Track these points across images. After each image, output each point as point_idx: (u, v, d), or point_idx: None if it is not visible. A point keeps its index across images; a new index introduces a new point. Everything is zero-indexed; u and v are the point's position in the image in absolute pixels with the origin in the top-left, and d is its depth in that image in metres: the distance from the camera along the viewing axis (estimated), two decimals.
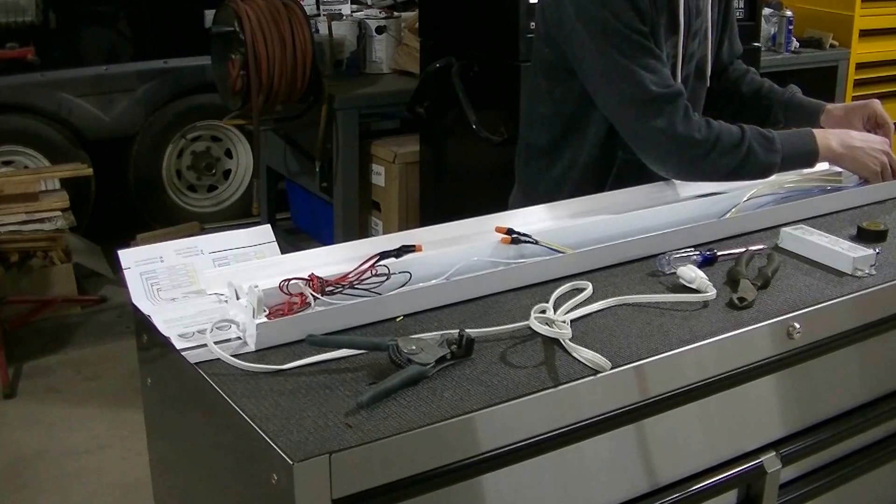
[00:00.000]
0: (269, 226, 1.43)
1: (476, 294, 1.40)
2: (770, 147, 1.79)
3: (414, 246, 1.42)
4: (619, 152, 1.91)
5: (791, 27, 4.56)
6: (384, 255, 1.40)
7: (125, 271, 1.38)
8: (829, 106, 2.03)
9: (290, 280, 1.32)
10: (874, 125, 1.99)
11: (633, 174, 1.88)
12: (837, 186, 1.87)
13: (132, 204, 4.94)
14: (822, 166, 1.97)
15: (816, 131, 1.87)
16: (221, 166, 5.13)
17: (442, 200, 3.68)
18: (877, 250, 1.53)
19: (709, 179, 1.81)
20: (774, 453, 1.42)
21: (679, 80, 1.91)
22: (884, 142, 1.91)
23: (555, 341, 1.25)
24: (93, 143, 4.72)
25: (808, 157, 1.84)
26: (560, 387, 1.16)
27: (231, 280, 1.33)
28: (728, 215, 1.72)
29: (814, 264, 1.54)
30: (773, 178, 1.85)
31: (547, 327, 1.26)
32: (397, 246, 1.42)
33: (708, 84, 2.04)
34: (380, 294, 1.36)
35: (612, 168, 1.94)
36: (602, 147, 1.93)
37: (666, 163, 1.81)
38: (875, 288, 1.47)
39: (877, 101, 2.00)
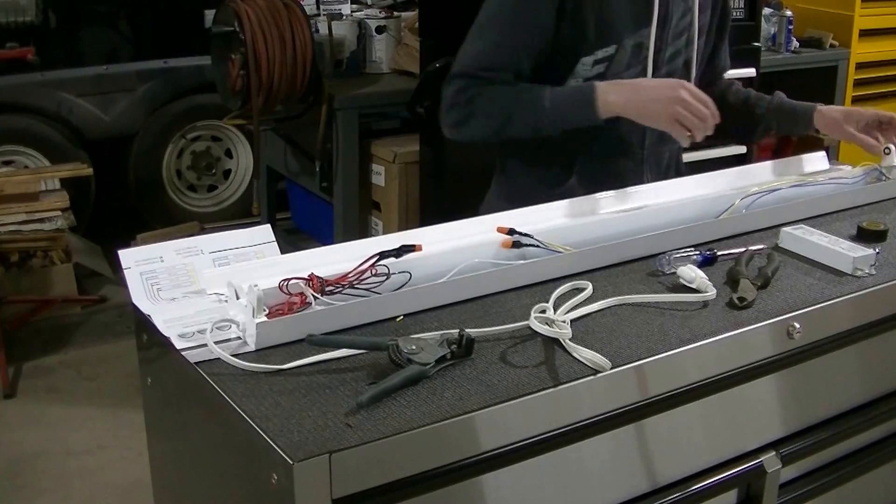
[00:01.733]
0: (269, 226, 1.43)
1: (476, 293, 1.40)
2: (534, 95, 1.79)
3: (414, 246, 1.42)
4: (580, 157, 1.90)
5: (791, 27, 4.57)
6: (384, 254, 1.40)
7: (125, 271, 1.38)
8: (821, 106, 1.99)
9: (289, 280, 1.32)
10: (877, 127, 1.92)
11: (594, 177, 1.87)
12: (839, 185, 1.87)
13: (132, 204, 4.94)
14: (821, 165, 1.97)
15: (603, 84, 1.79)
16: (221, 166, 5.13)
17: (442, 200, 3.68)
18: (877, 250, 1.53)
19: (478, 136, 1.88)
20: (774, 453, 1.42)
21: (650, 73, 1.87)
22: (679, 84, 1.74)
23: (555, 341, 1.25)
24: (93, 142, 4.72)
25: (583, 106, 1.77)
26: (560, 387, 1.16)
27: (231, 280, 1.33)
28: (724, 215, 1.72)
29: (814, 264, 1.54)
30: (770, 176, 1.84)
31: (547, 327, 1.26)
32: (397, 246, 1.42)
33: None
34: (380, 294, 1.36)
35: (571, 172, 1.91)
36: (558, 149, 1.89)
37: (444, 124, 1.88)
38: (875, 288, 1.47)
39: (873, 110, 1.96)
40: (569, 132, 1.82)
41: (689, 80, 1.94)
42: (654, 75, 1.88)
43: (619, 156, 1.92)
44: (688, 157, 4.06)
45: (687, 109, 1.71)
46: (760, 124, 2.06)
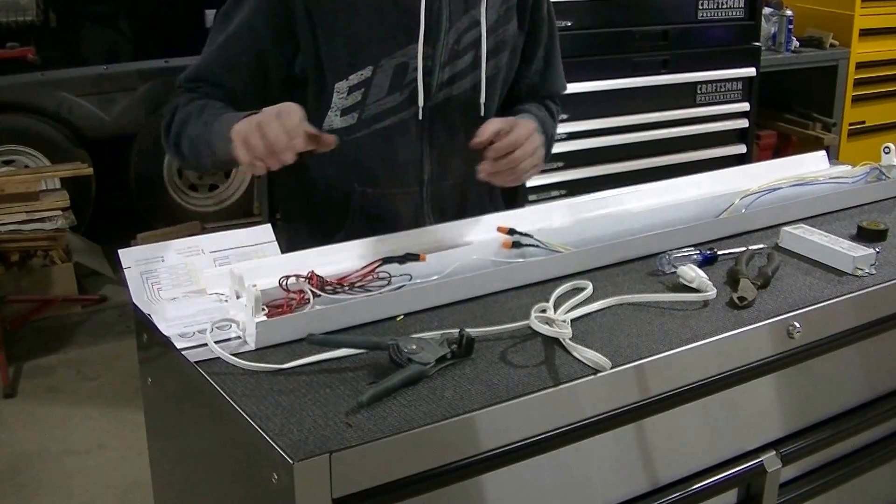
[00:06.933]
0: (269, 225, 1.42)
1: (476, 293, 1.40)
2: (207, 117, 1.57)
3: (418, 255, 1.41)
4: (355, 185, 1.69)
5: (791, 26, 4.57)
6: (387, 260, 1.40)
7: (125, 271, 1.39)
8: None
9: (288, 277, 1.33)
10: None
11: (371, 220, 1.66)
12: (839, 184, 1.87)
13: (133, 203, 4.94)
14: (821, 165, 1.97)
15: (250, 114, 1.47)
16: None
17: None
18: (877, 249, 1.53)
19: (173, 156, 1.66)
20: (774, 453, 1.42)
21: (421, 99, 1.63)
22: (278, 109, 1.42)
23: (555, 341, 1.25)
24: (93, 142, 4.72)
25: (222, 135, 1.50)
26: (560, 386, 1.16)
27: (234, 273, 1.33)
28: (724, 214, 1.72)
29: (814, 263, 1.54)
30: (770, 176, 1.84)
31: (547, 327, 1.26)
32: (397, 247, 1.42)
33: (481, 116, 1.69)
34: (380, 293, 1.36)
35: (349, 201, 1.71)
36: (330, 187, 1.71)
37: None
38: (875, 287, 1.47)
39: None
40: (342, 165, 1.66)
41: (478, 108, 1.69)
42: (426, 102, 1.64)
43: (395, 193, 1.69)
44: (688, 157, 4.06)
45: (260, 133, 1.40)
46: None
